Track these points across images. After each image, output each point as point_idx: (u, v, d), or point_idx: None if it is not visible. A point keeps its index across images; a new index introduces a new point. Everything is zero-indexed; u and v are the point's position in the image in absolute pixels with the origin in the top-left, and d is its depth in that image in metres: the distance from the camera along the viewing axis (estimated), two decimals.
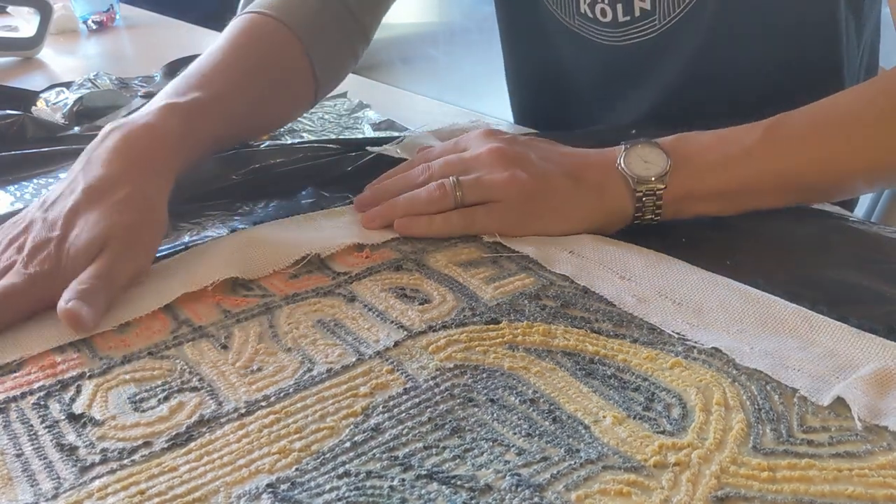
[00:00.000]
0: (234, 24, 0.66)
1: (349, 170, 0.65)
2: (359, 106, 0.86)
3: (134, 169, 0.52)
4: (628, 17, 0.68)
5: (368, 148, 0.67)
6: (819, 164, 0.53)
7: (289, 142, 0.73)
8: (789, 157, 0.53)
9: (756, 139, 0.53)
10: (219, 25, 0.69)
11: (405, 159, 0.63)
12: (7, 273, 0.47)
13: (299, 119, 0.80)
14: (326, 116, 0.83)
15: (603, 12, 0.69)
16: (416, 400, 0.39)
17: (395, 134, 0.73)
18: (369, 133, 0.78)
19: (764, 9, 0.66)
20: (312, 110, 0.83)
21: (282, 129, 0.77)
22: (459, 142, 0.60)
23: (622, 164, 0.53)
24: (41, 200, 0.52)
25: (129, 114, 0.78)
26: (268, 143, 0.72)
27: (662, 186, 0.52)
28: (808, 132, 0.53)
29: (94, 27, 1.34)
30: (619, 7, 0.68)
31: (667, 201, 0.53)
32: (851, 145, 0.53)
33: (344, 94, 0.88)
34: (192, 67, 0.62)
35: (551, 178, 0.54)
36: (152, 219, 0.51)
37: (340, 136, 0.76)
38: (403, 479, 0.34)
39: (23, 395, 0.40)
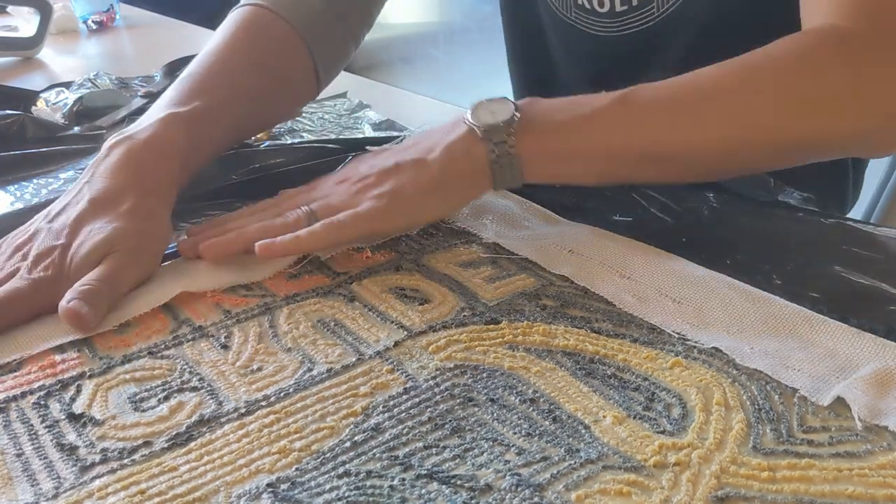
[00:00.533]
0: (231, 18, 0.66)
1: None
2: (359, 106, 0.86)
3: (138, 182, 0.52)
4: (626, 7, 0.68)
5: (368, 148, 0.67)
6: (667, 135, 0.51)
7: (289, 142, 0.73)
8: (635, 126, 0.51)
9: (604, 105, 0.51)
10: (219, 26, 0.69)
11: None
12: (11, 279, 0.48)
13: (299, 119, 0.80)
14: (326, 116, 0.83)
15: (600, 2, 0.69)
16: (416, 400, 0.39)
17: (395, 134, 0.73)
18: (369, 133, 0.78)
19: None
20: (312, 110, 0.83)
21: (282, 129, 0.77)
22: (303, 189, 0.57)
23: (469, 118, 0.52)
24: (46, 212, 0.52)
25: (129, 114, 0.79)
26: (268, 143, 0.72)
27: (512, 132, 0.50)
28: (655, 104, 0.51)
29: (94, 27, 1.34)
30: None
31: (523, 158, 0.51)
32: (701, 118, 0.51)
33: (344, 94, 0.88)
34: (192, 68, 0.62)
35: (400, 170, 0.52)
36: (156, 228, 0.52)
37: (340, 136, 0.76)
38: (403, 479, 0.34)
39: (23, 395, 0.40)
